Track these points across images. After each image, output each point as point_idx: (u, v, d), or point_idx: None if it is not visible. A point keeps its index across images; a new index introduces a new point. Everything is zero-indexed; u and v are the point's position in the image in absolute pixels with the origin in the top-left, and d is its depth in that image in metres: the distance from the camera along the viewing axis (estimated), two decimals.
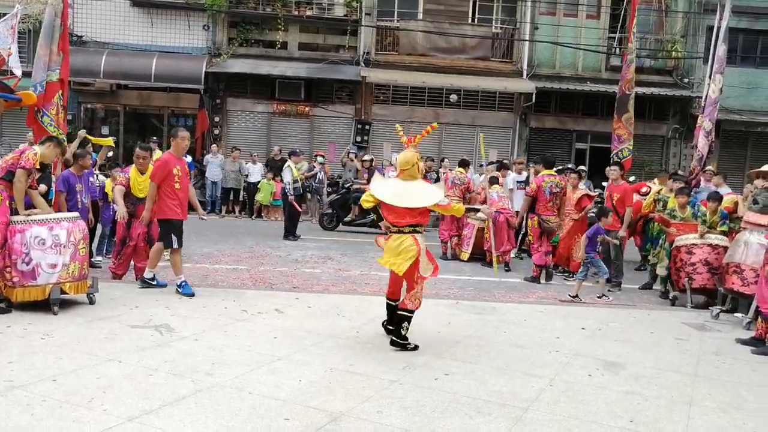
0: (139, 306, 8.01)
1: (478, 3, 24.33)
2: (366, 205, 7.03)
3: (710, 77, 13.81)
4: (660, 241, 11.66)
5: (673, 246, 10.66)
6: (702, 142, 13.61)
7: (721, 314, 9.37)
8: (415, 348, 6.87)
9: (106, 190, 11.55)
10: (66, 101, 10.72)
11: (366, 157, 19.34)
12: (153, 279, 9.20)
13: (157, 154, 19.00)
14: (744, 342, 7.95)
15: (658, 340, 7.94)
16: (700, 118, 13.94)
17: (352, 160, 21.09)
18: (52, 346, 6.30)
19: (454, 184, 14.31)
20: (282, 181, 16.94)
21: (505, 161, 18.05)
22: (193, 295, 8.73)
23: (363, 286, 10.56)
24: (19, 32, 10.93)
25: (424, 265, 6.83)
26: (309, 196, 18.86)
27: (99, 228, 11.78)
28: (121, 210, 9.35)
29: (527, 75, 23.89)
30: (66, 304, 7.77)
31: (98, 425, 4.63)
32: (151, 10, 23.06)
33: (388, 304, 7.34)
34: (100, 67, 21.85)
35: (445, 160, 20.77)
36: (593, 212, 12.88)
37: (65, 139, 10.25)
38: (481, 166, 18.90)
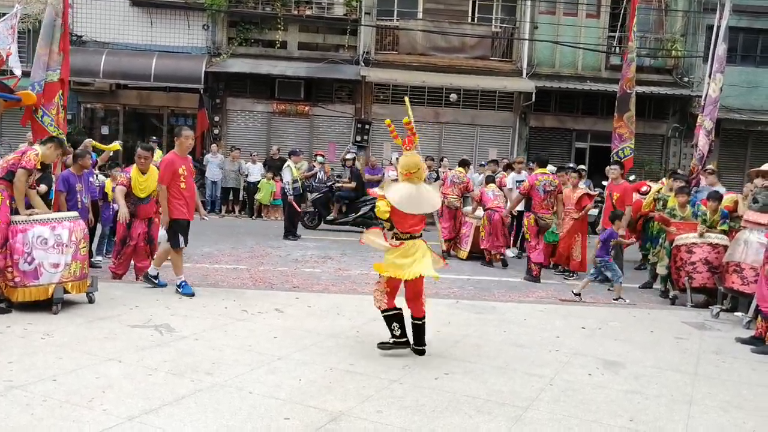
0: (139, 306, 8.02)
1: (477, 2, 24.32)
2: (384, 216, 6.56)
3: (710, 76, 13.80)
4: (660, 240, 11.67)
5: (673, 245, 10.66)
6: (702, 141, 13.60)
7: (721, 313, 9.37)
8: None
9: (105, 190, 11.56)
10: (66, 101, 10.72)
11: (348, 156, 19.29)
12: (156, 277, 9.20)
13: (158, 153, 19.07)
14: (744, 341, 7.95)
15: (658, 339, 7.94)
16: (700, 117, 13.92)
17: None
18: (52, 346, 6.30)
19: (453, 182, 14.44)
20: (282, 180, 16.94)
21: (510, 161, 18.04)
22: (193, 294, 8.73)
23: (363, 286, 10.55)
24: (18, 32, 10.93)
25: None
26: (309, 195, 18.84)
27: (99, 228, 11.77)
28: (122, 211, 9.34)
29: (527, 74, 23.87)
30: (66, 304, 7.77)
31: (98, 425, 4.63)
32: (151, 9, 23.04)
33: (397, 314, 6.73)
34: (100, 67, 21.83)
35: (444, 159, 20.77)
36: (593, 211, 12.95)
37: (65, 139, 10.24)
38: (482, 165, 18.95)
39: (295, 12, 23.31)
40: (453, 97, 23.78)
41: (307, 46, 23.82)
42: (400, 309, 6.69)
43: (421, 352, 6.70)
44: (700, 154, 13.61)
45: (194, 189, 9.26)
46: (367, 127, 23.53)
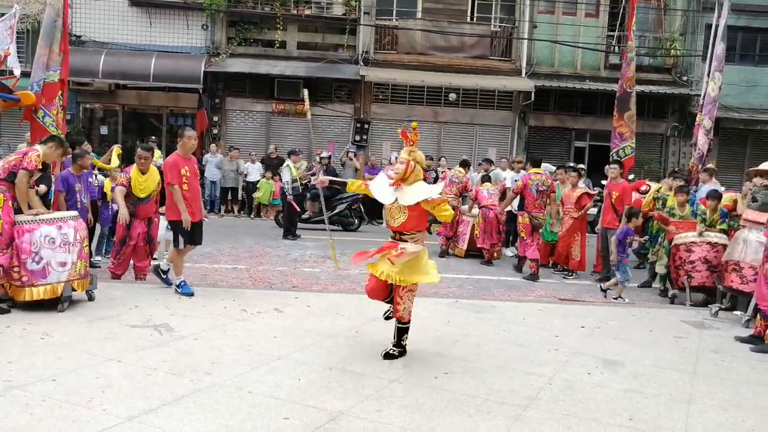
0: (138, 306, 8.01)
1: (476, 1, 24.33)
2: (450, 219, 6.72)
3: (709, 75, 13.82)
4: (659, 239, 11.67)
5: (673, 244, 10.67)
6: (702, 140, 13.61)
7: (720, 312, 9.37)
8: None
9: (104, 190, 11.56)
10: (65, 101, 10.73)
11: (324, 154, 19.26)
12: (165, 273, 9.20)
13: (157, 153, 19.08)
14: (743, 340, 7.96)
15: (657, 338, 7.94)
16: (699, 116, 13.94)
17: (351, 159, 21.11)
18: (51, 346, 6.30)
19: (452, 182, 14.51)
20: (281, 180, 16.93)
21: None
22: (192, 294, 8.73)
23: (362, 285, 10.52)
24: (17, 32, 10.94)
25: None
26: (308, 195, 18.82)
27: (98, 228, 11.77)
28: (122, 212, 9.32)
29: (526, 73, 23.88)
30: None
31: (98, 425, 4.63)
32: (150, 9, 23.04)
33: None
34: (99, 67, 21.82)
35: (442, 159, 20.77)
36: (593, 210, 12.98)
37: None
38: (480, 164, 18.95)
39: (294, 12, 23.30)
40: (452, 96, 23.78)
41: (306, 45, 23.81)
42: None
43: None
44: (700, 153, 13.62)
45: (198, 190, 9.22)
46: (366, 126, 23.53)
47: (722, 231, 10.47)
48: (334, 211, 17.57)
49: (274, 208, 20.51)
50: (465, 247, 14.35)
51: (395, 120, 23.34)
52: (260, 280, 10.85)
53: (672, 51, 24.03)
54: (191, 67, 22.27)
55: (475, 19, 24.47)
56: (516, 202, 13.72)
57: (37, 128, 10.15)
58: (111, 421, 4.71)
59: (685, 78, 24.20)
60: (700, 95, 15.59)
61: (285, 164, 16.32)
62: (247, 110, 23.98)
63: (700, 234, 10.32)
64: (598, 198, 14.73)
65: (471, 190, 14.59)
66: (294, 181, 15.97)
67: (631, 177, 14.44)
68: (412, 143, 6.55)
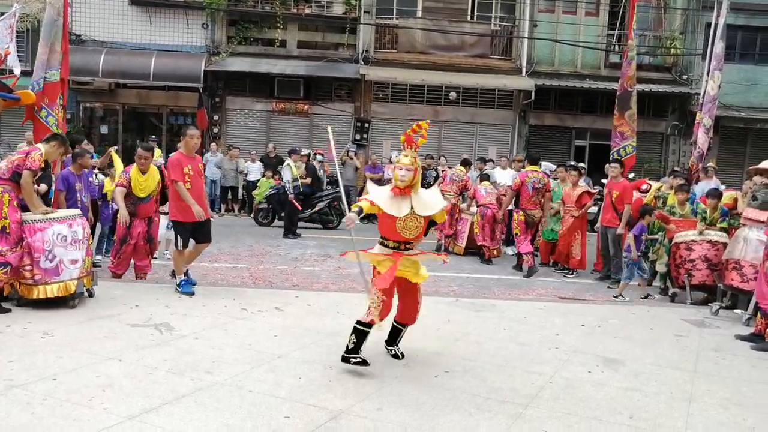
0: (138, 305, 8.01)
1: (477, 0, 24.33)
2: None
3: (708, 74, 13.81)
4: (659, 237, 11.67)
5: (673, 242, 10.66)
6: (702, 139, 13.61)
7: (721, 310, 9.37)
8: (362, 363, 5.98)
9: (104, 190, 11.55)
10: (65, 101, 10.73)
11: (304, 152, 19.24)
12: (186, 273, 9.20)
13: (157, 152, 19.04)
14: (743, 338, 7.96)
15: (657, 336, 7.94)
16: (699, 114, 13.93)
17: (351, 159, 21.10)
18: (52, 345, 6.31)
19: (452, 180, 14.62)
20: (282, 179, 16.93)
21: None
22: (192, 293, 8.73)
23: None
24: (17, 31, 10.94)
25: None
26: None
27: (98, 227, 11.77)
28: (122, 213, 9.30)
29: (526, 72, 23.88)
30: (66, 304, 7.78)
31: (98, 424, 4.64)
32: (150, 8, 23.03)
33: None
34: (99, 66, 21.81)
35: (442, 158, 20.78)
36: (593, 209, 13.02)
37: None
38: (491, 161, 18.98)
39: (295, 10, 23.30)
40: (452, 95, 23.78)
41: (307, 44, 23.81)
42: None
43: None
44: (700, 151, 13.62)
45: (202, 189, 9.18)
46: (366, 125, 23.53)
47: (722, 229, 10.47)
48: (314, 209, 17.56)
49: None
50: (464, 244, 14.42)
51: (396, 119, 23.36)
52: (261, 279, 10.85)
53: (672, 50, 24.03)
54: (191, 66, 22.27)
55: (475, 17, 24.47)
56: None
57: (41, 128, 10.16)
58: (112, 420, 4.71)
59: (685, 77, 24.20)
60: (699, 94, 15.58)
61: (285, 163, 16.32)
62: (247, 109, 23.98)
63: (701, 233, 10.31)
64: (599, 197, 14.73)
65: (470, 189, 14.64)
66: (295, 179, 15.97)
67: (631, 176, 14.44)
68: (417, 147, 6.21)
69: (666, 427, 5.15)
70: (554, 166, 16.30)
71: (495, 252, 13.97)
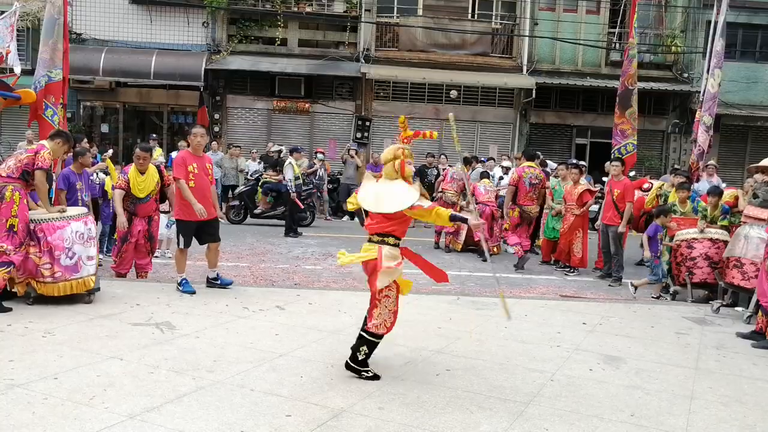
0: (140, 304, 8.02)
1: None
2: (349, 207, 6.24)
3: (708, 72, 13.81)
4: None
5: (674, 240, 10.66)
6: (702, 137, 13.60)
7: (722, 308, 9.37)
8: (375, 377, 5.80)
9: (105, 188, 11.55)
10: (65, 99, 10.74)
11: (274, 148, 19.15)
12: (216, 278, 9.23)
13: (158, 151, 19.07)
14: (744, 336, 7.95)
15: (658, 334, 7.94)
16: (699, 112, 13.93)
17: (352, 157, 21.10)
18: (53, 344, 6.31)
19: (453, 179, 14.77)
20: (284, 178, 16.93)
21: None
22: (194, 292, 8.73)
23: (364, 283, 10.54)
24: (17, 30, 10.95)
25: (382, 278, 5.69)
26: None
27: (99, 226, 11.76)
28: (120, 220, 9.29)
29: (527, 70, 23.88)
30: (67, 302, 7.79)
31: (99, 423, 4.64)
32: (150, 7, 23.03)
33: None
34: (99, 65, 21.81)
35: (443, 156, 20.76)
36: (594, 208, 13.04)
37: None
38: (482, 161, 18.98)
39: (295, 9, 23.32)
40: (453, 93, 23.72)
41: (307, 43, 23.81)
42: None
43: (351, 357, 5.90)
44: (700, 149, 13.61)
45: (208, 188, 9.08)
46: (367, 123, 23.53)
47: (723, 227, 10.47)
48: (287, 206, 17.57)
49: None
50: (462, 241, 14.58)
51: (396, 117, 23.28)
52: (262, 278, 10.86)
53: (673, 48, 24.02)
54: (192, 65, 22.27)
55: (476, 16, 24.48)
56: None
57: (47, 127, 10.21)
58: (113, 419, 4.71)
59: (686, 75, 24.20)
60: (700, 92, 15.58)
61: (287, 162, 16.32)
62: (248, 108, 23.98)
63: (701, 230, 10.31)
64: (600, 195, 14.73)
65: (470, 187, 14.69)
66: (297, 178, 15.99)
67: (632, 174, 14.44)
68: (407, 141, 6.02)
69: (667, 425, 5.15)
70: (555, 165, 16.30)
71: (495, 249, 14.06)
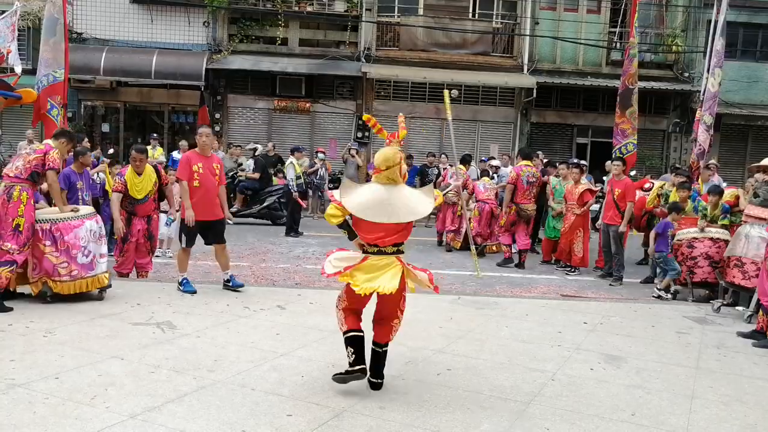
0: (140, 303, 8.02)
1: None
2: (333, 221, 5.43)
3: (708, 71, 13.81)
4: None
5: (675, 240, 10.66)
6: (702, 136, 13.60)
7: (723, 308, 9.36)
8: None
9: (106, 188, 11.55)
10: (66, 99, 10.76)
11: (249, 147, 19.12)
12: (229, 281, 9.19)
13: (158, 151, 19.07)
14: (745, 335, 7.95)
15: (659, 333, 7.94)
16: (699, 112, 13.93)
17: (353, 156, 21.10)
18: (53, 344, 6.31)
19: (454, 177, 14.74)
20: (285, 177, 16.94)
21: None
22: (195, 292, 8.73)
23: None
24: (18, 29, 10.96)
25: (413, 283, 5.48)
26: (310, 192, 18.82)
27: None
28: (117, 225, 9.28)
29: (528, 70, 23.87)
30: (68, 302, 7.79)
31: (100, 422, 4.64)
32: (151, 6, 23.02)
33: (354, 337, 5.51)
34: (100, 64, 21.79)
35: (443, 156, 20.76)
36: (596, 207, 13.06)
37: None
38: (482, 160, 18.99)
39: (296, 8, 23.30)
40: (454, 93, 23.74)
41: (308, 42, 23.80)
42: (361, 332, 5.55)
43: (376, 386, 5.55)
44: (700, 148, 13.61)
45: (213, 188, 8.95)
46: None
47: (724, 226, 10.47)
48: (263, 205, 17.56)
49: None
50: (461, 239, 14.70)
51: (397, 117, 23.29)
52: (263, 278, 10.86)
53: (674, 47, 24.00)
54: (193, 65, 22.26)
55: (476, 15, 24.45)
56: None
57: (53, 126, 10.28)
58: (114, 419, 4.71)
59: (686, 74, 24.18)
60: (700, 91, 15.58)
61: (289, 161, 16.34)
62: (249, 107, 23.96)
63: (702, 229, 10.32)
64: (601, 194, 14.74)
65: (470, 186, 14.79)
66: (298, 177, 16.01)
67: (632, 173, 14.45)
68: (388, 142, 5.64)
69: (668, 424, 5.15)
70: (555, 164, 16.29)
71: (494, 248, 14.19)
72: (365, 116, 6.17)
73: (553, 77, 23.62)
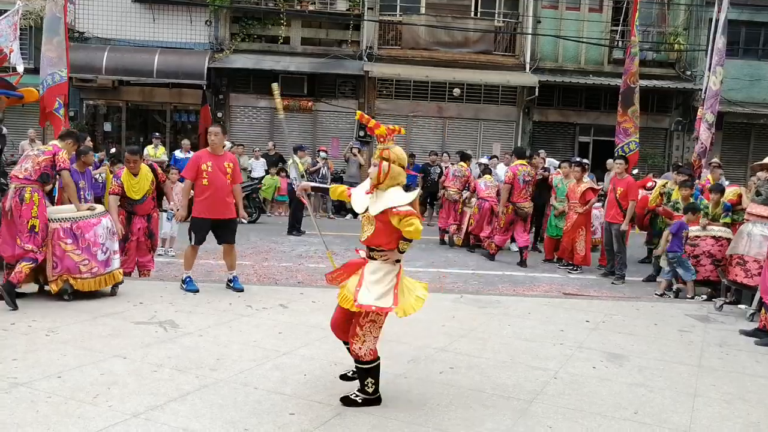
0: (143, 302, 8.03)
1: None
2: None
3: (710, 70, 13.80)
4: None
5: None
6: (704, 135, 13.59)
7: (725, 306, 9.36)
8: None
9: (107, 188, 11.56)
10: (67, 98, 10.77)
11: (227, 144, 19.10)
12: (232, 281, 9.20)
13: (161, 150, 19.08)
14: (747, 333, 7.95)
15: (661, 332, 7.94)
16: (701, 110, 13.92)
17: (355, 155, 21.10)
18: (56, 343, 6.32)
19: (455, 176, 14.98)
20: (288, 176, 16.95)
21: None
22: (197, 291, 8.73)
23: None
24: (20, 29, 10.97)
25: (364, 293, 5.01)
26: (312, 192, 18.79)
27: None
28: (117, 227, 9.29)
29: (530, 68, 23.85)
30: (68, 300, 7.81)
31: (103, 421, 4.64)
32: (153, 5, 23.02)
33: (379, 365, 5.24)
34: (102, 63, 21.79)
35: (445, 154, 20.76)
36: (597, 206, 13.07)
37: None
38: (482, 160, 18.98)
39: (298, 7, 23.30)
40: (456, 91, 23.76)
41: (310, 41, 23.80)
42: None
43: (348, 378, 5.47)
44: (702, 147, 13.61)
45: (224, 187, 8.88)
46: None
47: (726, 225, 10.46)
48: None
49: (279, 204, 20.43)
50: (462, 236, 14.86)
51: (400, 115, 23.36)
52: (265, 276, 10.87)
53: (676, 45, 23.99)
54: (195, 63, 22.26)
55: (478, 14, 24.44)
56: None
57: (60, 125, 10.29)
58: (116, 417, 4.71)
59: (688, 73, 24.17)
60: (702, 89, 15.57)
61: (291, 160, 16.33)
62: (251, 106, 23.95)
63: (704, 227, 10.31)
64: (603, 193, 14.74)
65: (472, 183, 14.87)
66: (302, 176, 16.03)
67: (635, 172, 14.44)
68: (383, 139, 5.36)
69: (671, 423, 5.15)
70: (557, 162, 16.28)
71: (493, 245, 14.13)
72: (358, 113, 6.06)
73: (555, 76, 23.62)
